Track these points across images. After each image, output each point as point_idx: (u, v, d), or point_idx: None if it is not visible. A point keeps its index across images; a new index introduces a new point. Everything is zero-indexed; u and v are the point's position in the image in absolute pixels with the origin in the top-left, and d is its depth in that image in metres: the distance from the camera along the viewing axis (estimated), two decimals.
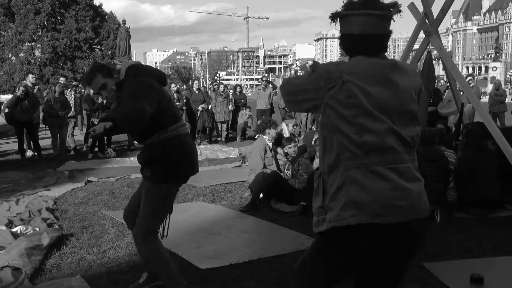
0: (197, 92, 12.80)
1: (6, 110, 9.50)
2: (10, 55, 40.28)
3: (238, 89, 15.14)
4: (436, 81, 13.38)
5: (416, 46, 6.79)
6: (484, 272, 3.65)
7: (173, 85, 12.11)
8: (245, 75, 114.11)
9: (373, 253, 2.02)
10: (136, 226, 3.27)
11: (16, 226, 4.91)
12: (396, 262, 2.08)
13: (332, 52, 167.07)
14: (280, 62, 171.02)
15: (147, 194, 3.22)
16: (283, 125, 9.31)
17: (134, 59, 27.36)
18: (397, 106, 2.01)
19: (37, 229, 4.80)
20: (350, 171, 1.98)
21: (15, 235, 4.54)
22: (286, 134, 8.55)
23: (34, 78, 10.39)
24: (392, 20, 2.06)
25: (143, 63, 3.29)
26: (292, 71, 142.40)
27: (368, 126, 1.97)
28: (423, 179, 2.09)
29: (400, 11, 2.04)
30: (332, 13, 2.11)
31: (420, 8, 6.16)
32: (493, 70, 64.25)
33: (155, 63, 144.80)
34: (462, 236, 4.71)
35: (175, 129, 3.19)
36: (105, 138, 10.83)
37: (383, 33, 2.06)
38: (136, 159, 3.36)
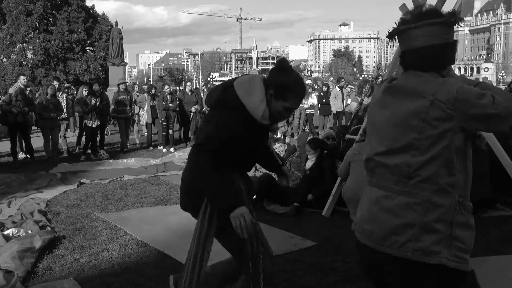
0: (190, 93, 12.77)
1: None
2: (1, 57, 40.04)
3: None
4: None
5: None
6: (475, 271, 3.67)
7: (166, 87, 12.08)
8: (238, 76, 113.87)
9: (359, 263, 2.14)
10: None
11: (8, 229, 4.90)
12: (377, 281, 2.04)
13: (325, 54, 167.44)
14: (273, 64, 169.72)
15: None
16: None
17: (127, 60, 27.17)
18: (389, 131, 1.90)
19: (29, 231, 4.78)
20: None
21: (7, 238, 4.53)
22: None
23: (25, 80, 10.35)
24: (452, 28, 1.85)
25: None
26: None
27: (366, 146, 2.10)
28: None
29: (460, 20, 1.85)
30: (389, 32, 1.98)
31: None
32: (485, 71, 64.77)
33: (148, 64, 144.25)
34: None
35: None
36: (98, 139, 10.79)
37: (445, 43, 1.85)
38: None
